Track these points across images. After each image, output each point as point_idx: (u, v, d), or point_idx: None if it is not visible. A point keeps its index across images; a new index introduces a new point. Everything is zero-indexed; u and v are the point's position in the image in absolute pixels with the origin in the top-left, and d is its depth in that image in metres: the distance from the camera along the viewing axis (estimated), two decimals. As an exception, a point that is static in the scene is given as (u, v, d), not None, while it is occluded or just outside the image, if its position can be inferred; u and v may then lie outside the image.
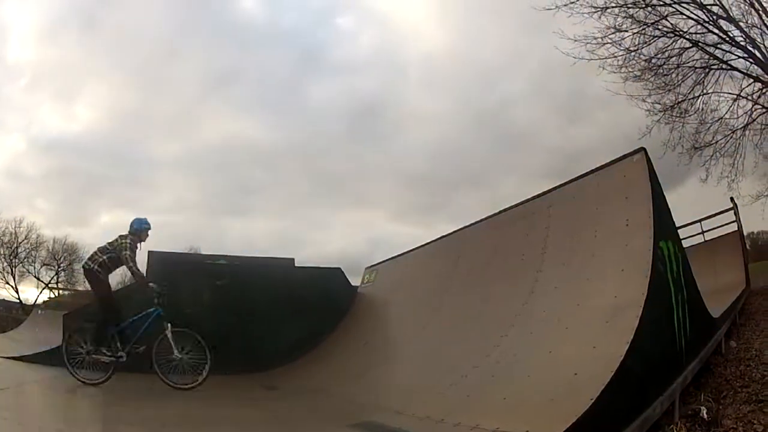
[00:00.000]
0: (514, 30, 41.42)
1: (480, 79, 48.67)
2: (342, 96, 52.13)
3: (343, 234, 47.36)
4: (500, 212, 5.64)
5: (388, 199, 51.06)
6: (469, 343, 4.59)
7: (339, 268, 8.54)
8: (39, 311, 19.71)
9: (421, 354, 5.21)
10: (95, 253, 5.59)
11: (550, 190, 4.84)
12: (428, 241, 7.37)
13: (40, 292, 30.33)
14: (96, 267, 5.48)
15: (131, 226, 5.68)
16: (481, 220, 6.02)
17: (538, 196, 4.97)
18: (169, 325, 5.40)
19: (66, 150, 45.44)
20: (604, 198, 4.11)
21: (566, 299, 3.91)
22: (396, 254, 8.31)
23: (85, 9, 45.20)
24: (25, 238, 30.93)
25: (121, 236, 5.59)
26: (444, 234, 6.91)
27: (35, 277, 31.30)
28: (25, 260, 31.06)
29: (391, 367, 5.48)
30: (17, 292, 30.71)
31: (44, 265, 31.58)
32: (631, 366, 2.86)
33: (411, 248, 7.83)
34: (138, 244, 5.63)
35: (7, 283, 30.49)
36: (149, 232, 5.77)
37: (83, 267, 5.62)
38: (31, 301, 29.33)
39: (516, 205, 5.34)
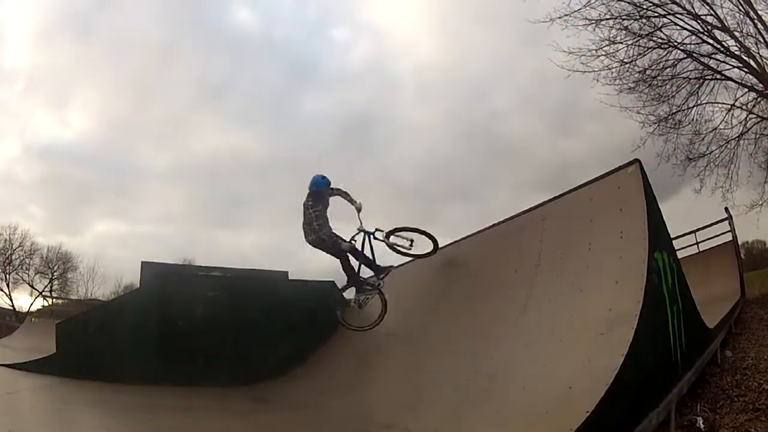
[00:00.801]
0: (508, 42, 41.69)
1: (472, 91, 48.47)
2: (334, 107, 51.31)
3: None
4: (493, 225, 5.61)
5: (378, 211, 50.13)
6: (462, 357, 4.55)
7: (332, 281, 8.50)
8: (33, 319, 19.51)
9: (412, 367, 5.17)
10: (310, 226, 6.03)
11: (543, 203, 4.82)
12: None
13: (34, 300, 30.12)
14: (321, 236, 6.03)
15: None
16: (474, 234, 6.00)
17: (532, 208, 4.95)
18: (378, 231, 6.39)
19: (59, 156, 44.63)
20: (598, 210, 4.10)
21: (560, 312, 3.90)
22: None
23: (79, 16, 45.15)
24: (20, 246, 30.73)
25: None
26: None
27: (29, 284, 31.06)
28: (19, 268, 30.80)
29: (382, 381, 5.43)
30: (11, 299, 30.49)
31: (38, 273, 31.32)
32: (626, 378, 2.85)
33: (403, 262, 7.80)
34: (318, 202, 6.17)
35: (1, 290, 30.34)
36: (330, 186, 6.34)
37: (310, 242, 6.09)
38: (24, 309, 29.09)
39: (509, 219, 5.32)
